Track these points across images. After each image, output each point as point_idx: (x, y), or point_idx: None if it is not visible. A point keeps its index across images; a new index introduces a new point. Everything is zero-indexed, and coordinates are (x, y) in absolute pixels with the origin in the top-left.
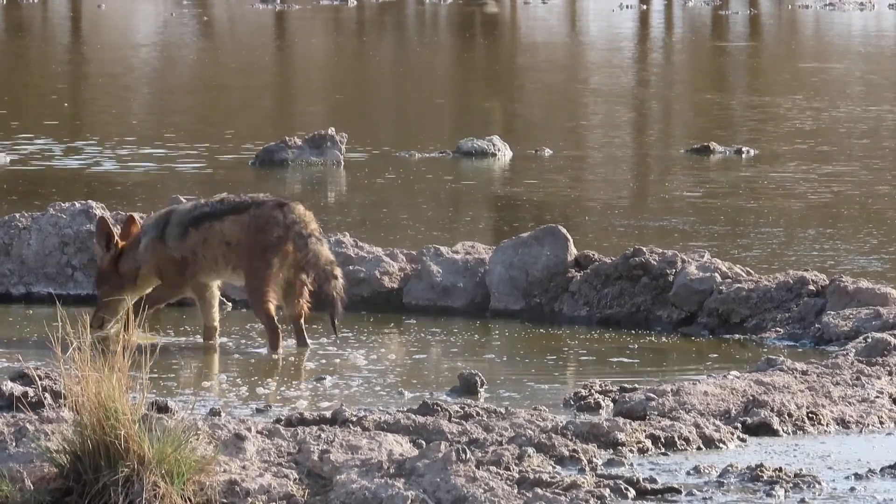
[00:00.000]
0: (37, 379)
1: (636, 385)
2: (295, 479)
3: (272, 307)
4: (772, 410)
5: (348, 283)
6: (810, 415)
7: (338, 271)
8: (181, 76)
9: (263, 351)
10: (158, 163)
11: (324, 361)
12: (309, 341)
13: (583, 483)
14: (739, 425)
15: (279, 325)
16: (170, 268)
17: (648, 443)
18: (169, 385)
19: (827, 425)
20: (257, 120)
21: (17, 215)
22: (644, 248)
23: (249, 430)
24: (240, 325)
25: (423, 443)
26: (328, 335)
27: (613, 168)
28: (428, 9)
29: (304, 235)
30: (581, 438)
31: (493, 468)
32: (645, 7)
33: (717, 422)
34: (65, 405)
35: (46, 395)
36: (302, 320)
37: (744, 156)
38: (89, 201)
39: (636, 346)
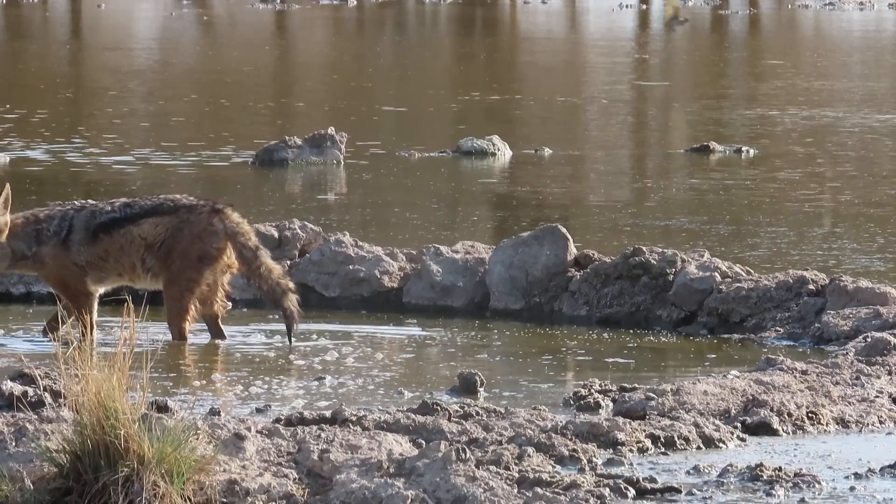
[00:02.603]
0: (37, 378)
1: (636, 385)
2: (295, 479)
3: (187, 325)
4: (771, 410)
5: (348, 282)
6: (810, 414)
7: (292, 284)
8: (181, 76)
9: (264, 351)
10: (158, 162)
11: (321, 360)
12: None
13: (583, 482)
14: (739, 425)
15: (188, 336)
16: (72, 275)
17: (648, 442)
18: (167, 385)
19: (827, 425)
20: (257, 120)
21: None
22: (644, 248)
23: (249, 429)
24: (240, 324)
25: (423, 442)
26: (326, 335)
27: (613, 167)
28: (428, 8)
29: (251, 248)
30: (581, 438)
31: (492, 468)
32: (645, 7)
33: (717, 421)
34: (65, 405)
35: (46, 394)
36: (219, 318)
37: (743, 155)
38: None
39: (636, 345)
